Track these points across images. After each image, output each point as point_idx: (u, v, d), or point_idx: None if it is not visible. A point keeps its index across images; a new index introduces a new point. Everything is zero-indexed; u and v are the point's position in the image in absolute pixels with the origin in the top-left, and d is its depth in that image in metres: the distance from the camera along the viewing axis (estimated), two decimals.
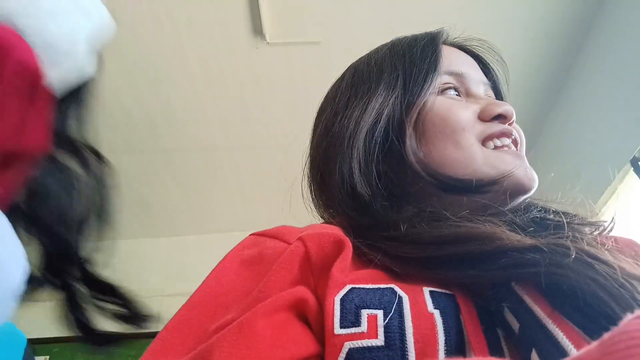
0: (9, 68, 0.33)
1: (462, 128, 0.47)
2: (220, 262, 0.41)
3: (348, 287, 0.34)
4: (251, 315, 0.32)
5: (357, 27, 1.75)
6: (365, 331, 0.31)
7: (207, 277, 0.40)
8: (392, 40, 0.57)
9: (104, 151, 0.46)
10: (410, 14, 1.71)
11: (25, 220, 0.40)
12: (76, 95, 0.42)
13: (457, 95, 0.51)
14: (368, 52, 0.58)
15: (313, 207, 0.56)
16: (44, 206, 0.41)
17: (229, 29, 1.73)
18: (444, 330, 0.31)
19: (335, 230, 0.41)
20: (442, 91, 0.50)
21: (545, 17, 1.76)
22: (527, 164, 0.48)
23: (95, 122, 0.47)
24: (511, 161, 0.46)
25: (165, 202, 2.40)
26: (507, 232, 0.36)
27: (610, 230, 0.46)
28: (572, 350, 0.26)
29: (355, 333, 0.31)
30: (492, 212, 0.42)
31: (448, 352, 0.30)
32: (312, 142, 0.58)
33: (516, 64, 1.84)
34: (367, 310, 0.32)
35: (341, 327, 0.31)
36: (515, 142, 0.49)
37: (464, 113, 0.48)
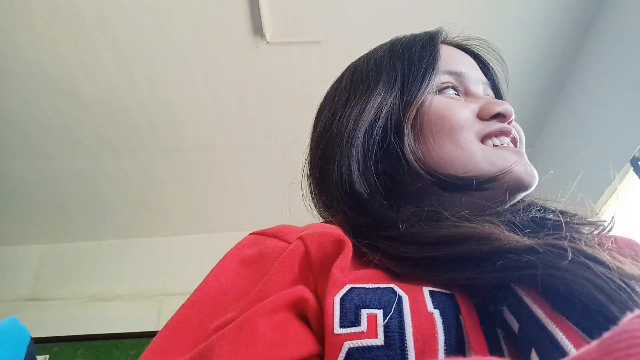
0: None
1: (460, 127, 0.47)
2: (220, 261, 0.41)
3: (348, 286, 0.34)
4: (251, 315, 0.32)
5: (358, 26, 1.75)
6: (365, 331, 0.31)
7: (206, 276, 0.40)
8: (391, 40, 0.57)
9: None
10: (411, 14, 1.71)
11: None
12: None
13: (455, 94, 0.51)
14: (367, 51, 0.59)
15: (313, 207, 0.56)
16: None
17: (229, 28, 1.73)
18: (444, 330, 0.31)
19: (336, 230, 0.41)
20: (441, 90, 0.50)
21: (546, 16, 1.76)
22: (527, 160, 0.48)
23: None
24: (510, 158, 0.46)
25: (165, 201, 2.40)
26: (506, 232, 0.36)
27: (610, 230, 0.46)
28: (572, 350, 0.26)
29: (355, 332, 0.31)
30: (492, 212, 0.42)
31: (448, 352, 0.30)
32: (311, 142, 0.58)
33: (516, 64, 1.84)
34: (367, 309, 0.32)
35: (341, 327, 0.31)
36: (514, 141, 0.49)
37: (462, 112, 0.48)
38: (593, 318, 0.27)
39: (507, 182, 0.45)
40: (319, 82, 0.66)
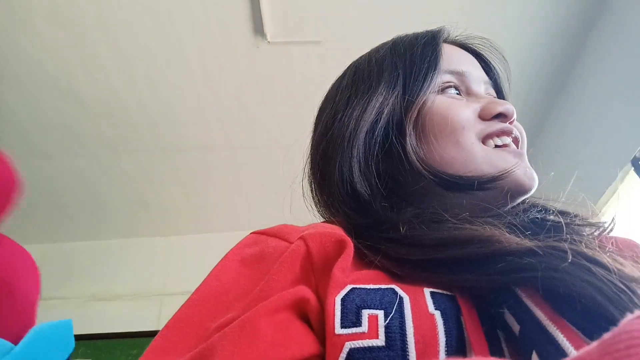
0: None
1: (462, 127, 0.47)
2: (221, 260, 0.41)
3: (349, 287, 0.34)
4: (253, 315, 0.32)
5: (358, 26, 1.75)
6: (366, 331, 0.31)
7: (207, 275, 0.40)
8: (393, 39, 0.57)
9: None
10: (412, 13, 1.71)
11: None
12: None
13: (457, 94, 0.51)
14: (368, 50, 0.58)
15: (313, 206, 0.56)
16: None
17: (230, 28, 1.73)
18: (445, 331, 0.31)
19: (337, 230, 0.41)
20: (443, 90, 0.50)
21: (546, 16, 1.76)
22: (527, 163, 0.48)
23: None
24: (511, 160, 0.46)
25: (165, 201, 2.40)
26: (506, 234, 0.36)
27: (611, 230, 0.46)
28: (573, 352, 0.26)
29: (356, 333, 0.31)
30: (492, 214, 0.42)
31: (449, 353, 0.30)
32: (312, 141, 0.58)
33: (516, 64, 1.84)
34: (368, 310, 0.32)
35: (342, 327, 0.31)
36: (516, 141, 0.49)
37: (464, 112, 0.48)
38: (594, 320, 0.27)
39: (507, 184, 0.45)
40: (319, 82, 0.66)
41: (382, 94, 0.50)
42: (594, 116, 1.78)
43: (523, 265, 0.32)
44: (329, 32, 1.76)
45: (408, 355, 0.29)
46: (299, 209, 0.61)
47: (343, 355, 0.30)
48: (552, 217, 0.44)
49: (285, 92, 1.95)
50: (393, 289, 0.34)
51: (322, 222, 0.50)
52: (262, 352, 0.30)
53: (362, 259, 0.39)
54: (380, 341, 0.30)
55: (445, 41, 0.55)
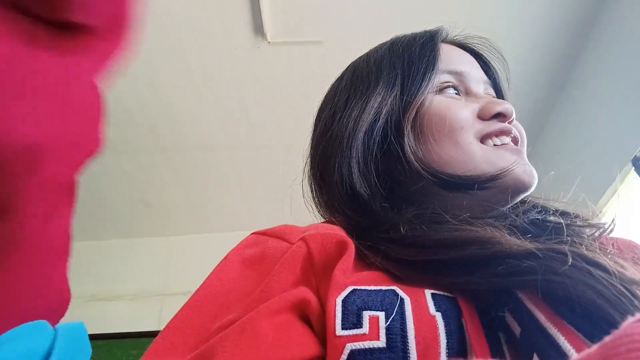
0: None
1: (460, 127, 0.47)
2: (221, 261, 0.41)
3: (350, 288, 0.34)
4: (254, 316, 0.32)
5: (358, 26, 1.75)
6: (366, 333, 0.31)
7: (208, 276, 0.40)
8: (391, 39, 0.57)
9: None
10: (412, 13, 1.71)
11: None
12: None
13: (456, 94, 0.51)
14: (367, 50, 0.58)
15: (313, 207, 0.56)
16: None
17: (230, 28, 1.73)
18: (446, 333, 0.31)
19: (338, 231, 0.41)
20: (441, 90, 0.50)
21: (547, 16, 1.76)
22: (527, 160, 0.48)
23: None
24: (510, 158, 0.46)
25: (165, 201, 2.40)
26: (507, 236, 0.36)
27: (611, 231, 0.46)
28: (574, 355, 0.26)
29: (356, 334, 0.31)
30: (493, 215, 0.41)
31: (450, 355, 0.30)
32: (311, 142, 0.58)
33: (517, 64, 1.83)
34: (369, 311, 0.32)
35: (343, 329, 0.31)
36: (515, 140, 0.49)
37: (462, 112, 0.48)
38: (594, 322, 0.27)
39: (507, 182, 0.44)
40: (319, 82, 0.66)
41: (380, 94, 0.50)
42: (594, 116, 1.78)
43: (523, 268, 0.31)
44: (329, 32, 1.76)
45: (409, 356, 0.29)
46: (299, 209, 0.61)
47: (344, 356, 0.30)
48: (552, 218, 0.44)
49: (286, 92, 1.95)
50: (394, 290, 0.34)
51: (323, 222, 0.50)
52: (263, 353, 0.30)
53: (363, 260, 0.39)
54: (381, 343, 0.30)
55: (444, 41, 0.55)
